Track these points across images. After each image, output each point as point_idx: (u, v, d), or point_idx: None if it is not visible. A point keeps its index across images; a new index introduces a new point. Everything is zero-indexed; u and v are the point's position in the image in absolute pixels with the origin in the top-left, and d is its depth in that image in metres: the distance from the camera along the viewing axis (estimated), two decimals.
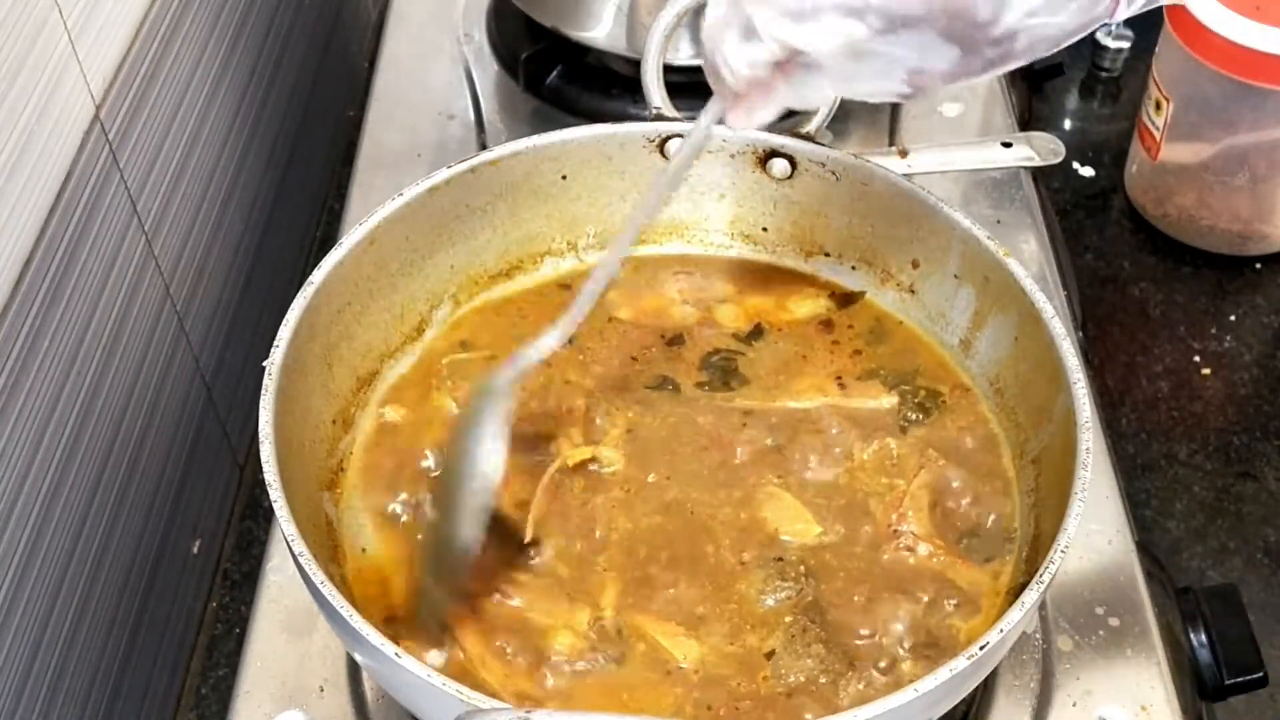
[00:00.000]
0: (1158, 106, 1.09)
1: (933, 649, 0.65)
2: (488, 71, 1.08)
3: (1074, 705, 0.70)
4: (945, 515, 0.70)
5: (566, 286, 0.82)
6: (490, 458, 0.64)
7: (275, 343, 0.67)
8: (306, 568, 0.58)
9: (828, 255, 0.82)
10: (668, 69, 0.81)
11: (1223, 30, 1.00)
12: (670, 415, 0.75)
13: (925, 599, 0.66)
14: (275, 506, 0.60)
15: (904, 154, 0.86)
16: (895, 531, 0.69)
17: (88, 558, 0.78)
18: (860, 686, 0.63)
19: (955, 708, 0.62)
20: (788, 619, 0.65)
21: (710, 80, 0.58)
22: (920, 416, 0.74)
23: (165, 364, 0.88)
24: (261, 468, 0.61)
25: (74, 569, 0.77)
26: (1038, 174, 1.01)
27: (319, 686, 0.71)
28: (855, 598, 0.66)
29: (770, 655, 0.64)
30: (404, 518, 0.70)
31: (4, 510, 0.69)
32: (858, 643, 0.65)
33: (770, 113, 0.58)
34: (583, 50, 1.03)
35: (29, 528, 0.72)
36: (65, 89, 0.74)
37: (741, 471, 0.72)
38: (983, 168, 0.93)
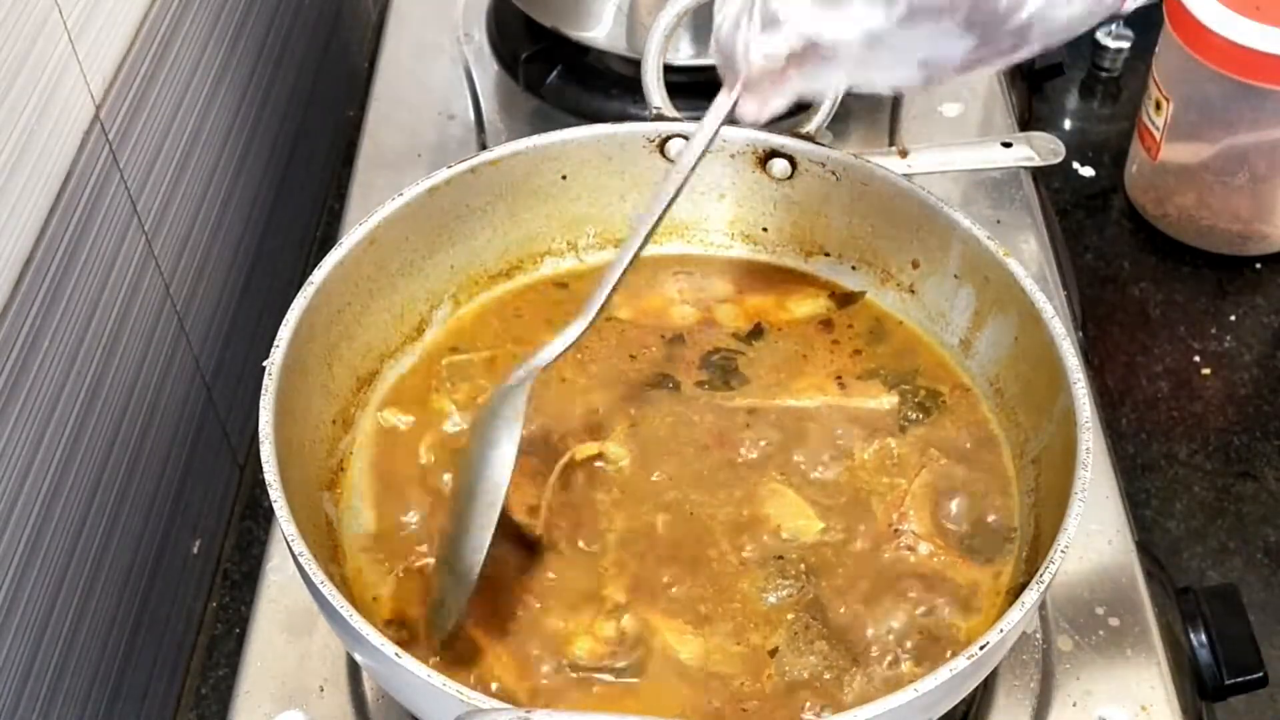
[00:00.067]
0: (1158, 106, 1.09)
1: (933, 648, 0.65)
2: (488, 71, 1.08)
3: (1074, 705, 0.70)
4: (946, 515, 0.70)
5: (565, 286, 0.82)
6: (503, 463, 0.63)
7: (275, 343, 0.67)
8: (306, 568, 0.58)
9: (828, 255, 0.82)
10: (668, 69, 0.81)
11: (1223, 30, 1.00)
12: (670, 414, 0.75)
13: (926, 598, 0.66)
14: (275, 506, 0.60)
15: (904, 154, 0.86)
16: (896, 530, 0.69)
17: (88, 558, 0.78)
18: (864, 682, 0.63)
19: (955, 708, 0.62)
20: (789, 616, 0.65)
21: (722, 70, 0.58)
22: (920, 416, 0.75)
23: (165, 364, 0.88)
24: (261, 468, 0.61)
25: (74, 569, 0.77)
26: (1038, 174, 1.01)
27: (319, 686, 0.71)
28: (856, 596, 0.66)
29: (774, 653, 0.64)
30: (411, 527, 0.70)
31: (4, 510, 0.69)
32: (859, 640, 0.65)
33: (782, 102, 0.58)
34: (583, 50, 1.03)
35: (29, 528, 0.72)
36: (65, 89, 0.74)
37: (743, 470, 0.72)
38: (983, 168, 0.93)
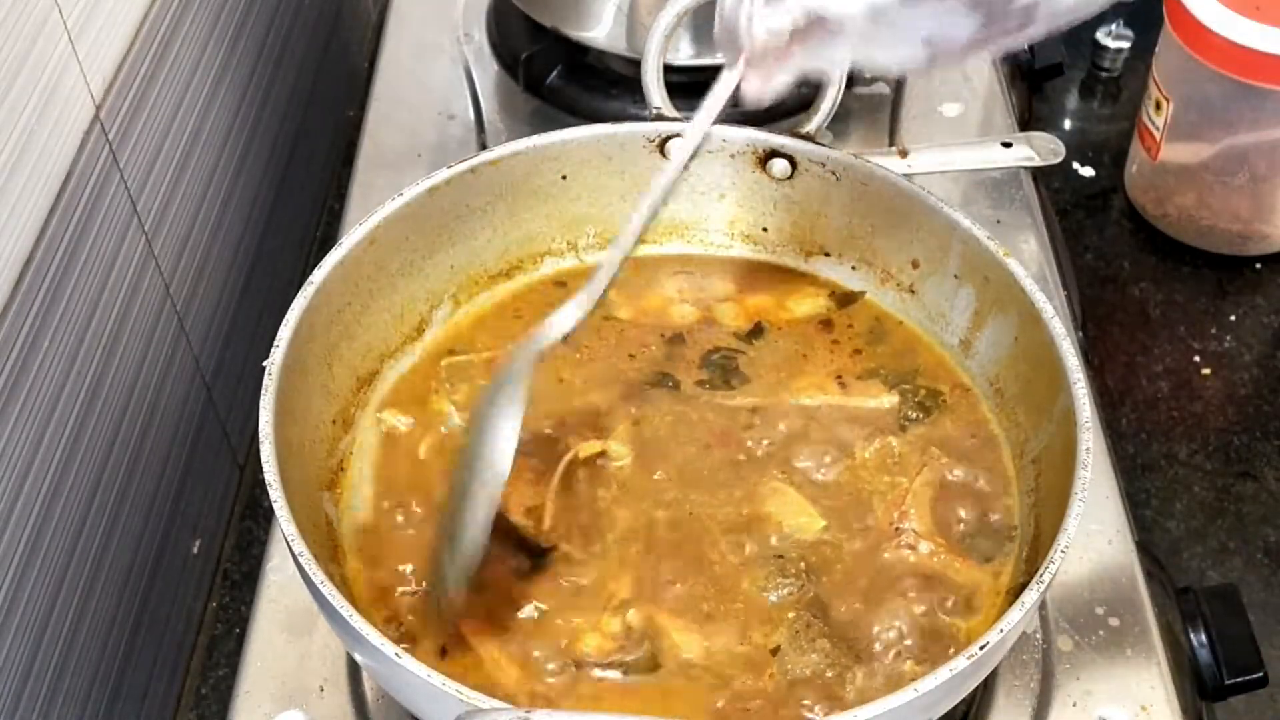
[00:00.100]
0: (1158, 106, 1.09)
1: (934, 647, 0.65)
2: (488, 71, 1.08)
3: (1074, 705, 0.70)
4: (947, 514, 0.70)
5: (565, 285, 0.82)
6: (503, 448, 0.62)
7: (275, 343, 0.67)
8: (306, 568, 0.58)
9: (828, 255, 0.82)
10: (668, 69, 0.81)
11: (1223, 30, 1.00)
12: (671, 413, 0.75)
13: (926, 597, 0.66)
14: (275, 506, 0.60)
15: (904, 154, 0.86)
16: (897, 529, 0.69)
17: (88, 558, 0.78)
18: (866, 681, 0.63)
19: (955, 708, 0.62)
20: (791, 615, 0.65)
21: (725, 46, 0.58)
22: (920, 416, 0.75)
23: (165, 364, 0.88)
24: (261, 468, 0.61)
25: (74, 569, 0.77)
26: (1038, 174, 1.01)
27: (319, 686, 0.71)
28: (857, 595, 0.67)
29: (775, 651, 0.64)
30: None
31: (4, 510, 0.69)
32: (860, 638, 0.65)
33: (786, 79, 0.57)
34: (583, 50, 1.03)
35: (29, 528, 0.72)
36: (65, 89, 0.74)
37: (744, 469, 0.72)
38: (983, 168, 0.93)
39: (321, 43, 1.21)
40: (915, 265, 0.78)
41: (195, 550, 0.94)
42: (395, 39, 1.11)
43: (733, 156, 0.80)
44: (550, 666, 0.64)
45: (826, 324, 0.80)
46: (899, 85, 1.06)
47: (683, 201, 0.83)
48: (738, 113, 0.98)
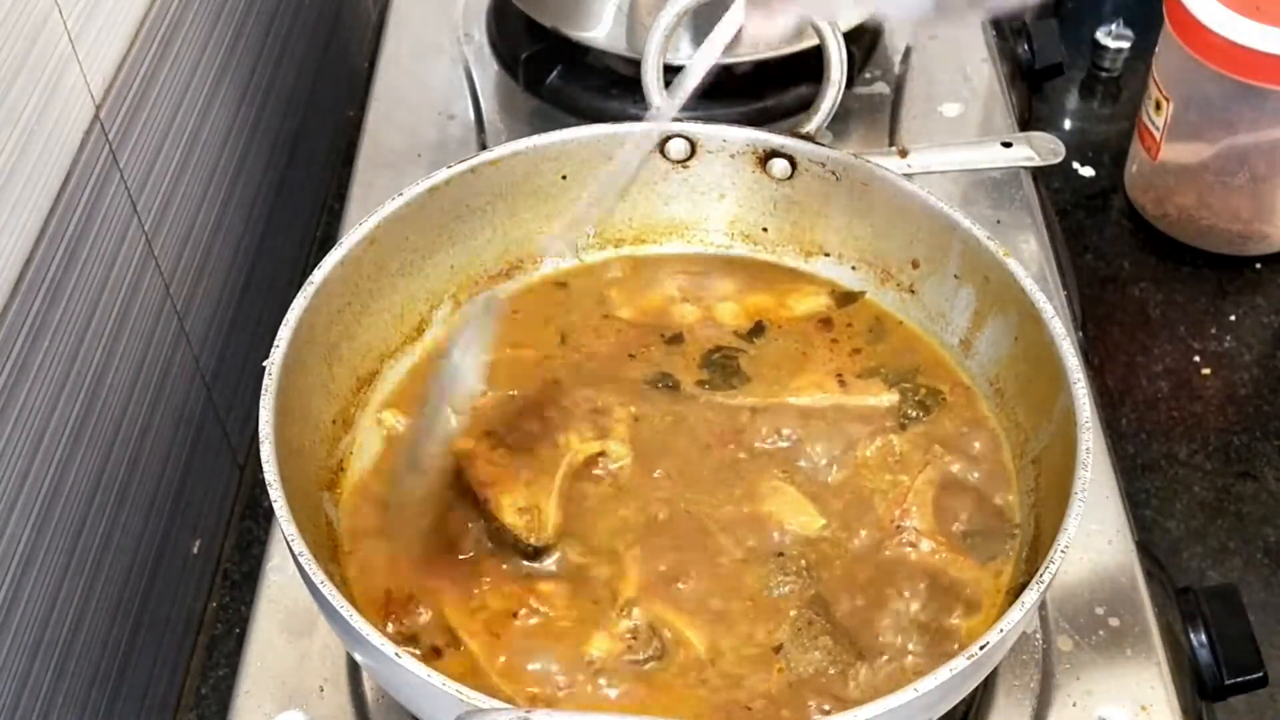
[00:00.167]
0: (1158, 106, 1.09)
1: (934, 646, 0.65)
2: (488, 71, 1.08)
3: (1074, 705, 0.70)
4: (948, 512, 0.70)
5: (565, 285, 0.82)
6: (470, 364, 0.64)
7: (275, 343, 0.67)
8: (306, 568, 0.58)
9: (828, 255, 0.82)
10: (668, 69, 0.81)
11: (1223, 30, 1.00)
12: (671, 412, 0.75)
13: (927, 595, 0.66)
14: (275, 506, 0.60)
15: (904, 154, 0.86)
16: (899, 527, 0.69)
17: (88, 558, 0.78)
18: (869, 678, 0.63)
19: (955, 708, 0.62)
20: (792, 612, 0.65)
21: None
22: (920, 414, 0.75)
23: (165, 364, 0.88)
24: (261, 468, 0.61)
25: (74, 569, 0.77)
26: (1038, 174, 1.00)
27: (319, 686, 0.71)
28: (858, 592, 0.67)
29: (778, 649, 0.64)
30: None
31: (4, 510, 0.69)
32: (862, 636, 0.65)
33: (789, 22, 0.57)
34: (583, 50, 1.03)
35: (29, 528, 0.72)
36: (65, 89, 0.74)
37: (744, 467, 0.72)
38: (983, 168, 0.93)
39: (321, 43, 1.21)
40: (915, 265, 0.78)
41: (195, 550, 0.94)
42: (395, 39, 1.11)
43: (733, 156, 0.80)
44: (552, 667, 0.64)
45: (826, 323, 0.80)
46: (899, 85, 1.06)
47: (683, 201, 0.83)
48: (737, 113, 0.99)
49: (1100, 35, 1.30)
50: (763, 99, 1.02)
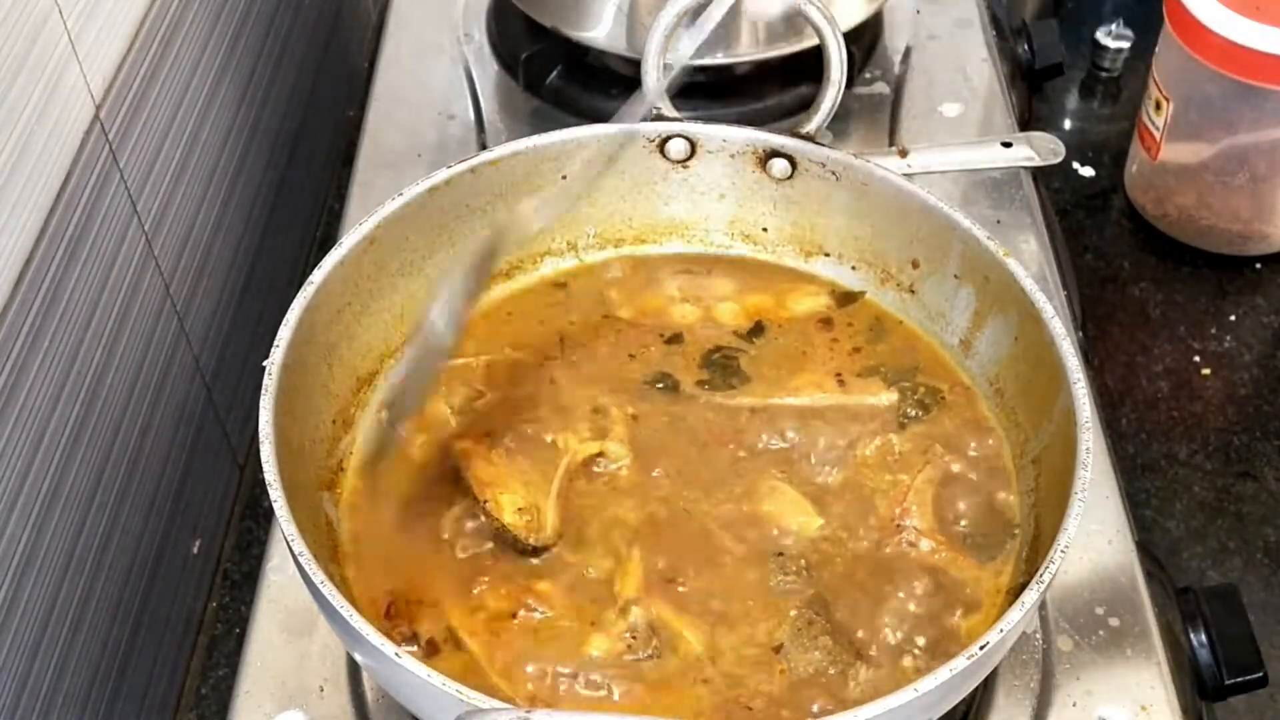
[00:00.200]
0: (1158, 106, 1.09)
1: (935, 645, 0.65)
2: (488, 71, 1.08)
3: (1074, 705, 0.70)
4: (948, 511, 0.70)
5: (564, 286, 0.82)
6: (450, 314, 0.65)
7: (275, 343, 0.67)
8: (306, 568, 0.58)
9: (827, 255, 0.82)
10: (668, 69, 0.81)
11: (1223, 30, 1.00)
12: (670, 413, 0.75)
13: (927, 594, 0.66)
14: (275, 506, 0.60)
15: (904, 154, 0.86)
16: (899, 526, 0.69)
17: (88, 558, 0.78)
18: (869, 677, 0.63)
19: (955, 708, 0.62)
20: (792, 612, 0.65)
21: None
22: (920, 413, 0.75)
23: (165, 364, 0.88)
24: (261, 468, 0.61)
25: (74, 569, 0.77)
26: (1038, 174, 1.01)
27: (319, 686, 0.71)
28: (858, 592, 0.67)
29: (778, 649, 0.64)
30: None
31: (4, 510, 0.69)
32: (862, 635, 0.65)
33: None
34: (583, 50, 1.03)
35: (29, 528, 0.72)
36: (65, 89, 0.74)
37: (744, 467, 0.72)
38: (983, 168, 0.93)
39: (321, 43, 1.21)
40: (915, 265, 0.78)
41: (195, 550, 0.94)
42: (395, 39, 1.11)
43: (733, 156, 0.80)
44: (551, 666, 0.64)
45: (826, 322, 0.80)
46: (899, 85, 1.06)
47: (683, 201, 0.83)
48: (737, 113, 0.99)
49: (1100, 35, 1.30)
50: (763, 99, 1.02)
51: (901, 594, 0.66)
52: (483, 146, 0.99)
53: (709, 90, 1.01)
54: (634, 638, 0.64)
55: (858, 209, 0.79)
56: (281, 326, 0.67)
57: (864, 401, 0.75)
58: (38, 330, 0.72)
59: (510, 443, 0.72)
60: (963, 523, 0.70)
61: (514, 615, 0.65)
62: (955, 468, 0.72)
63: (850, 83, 0.85)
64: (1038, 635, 0.73)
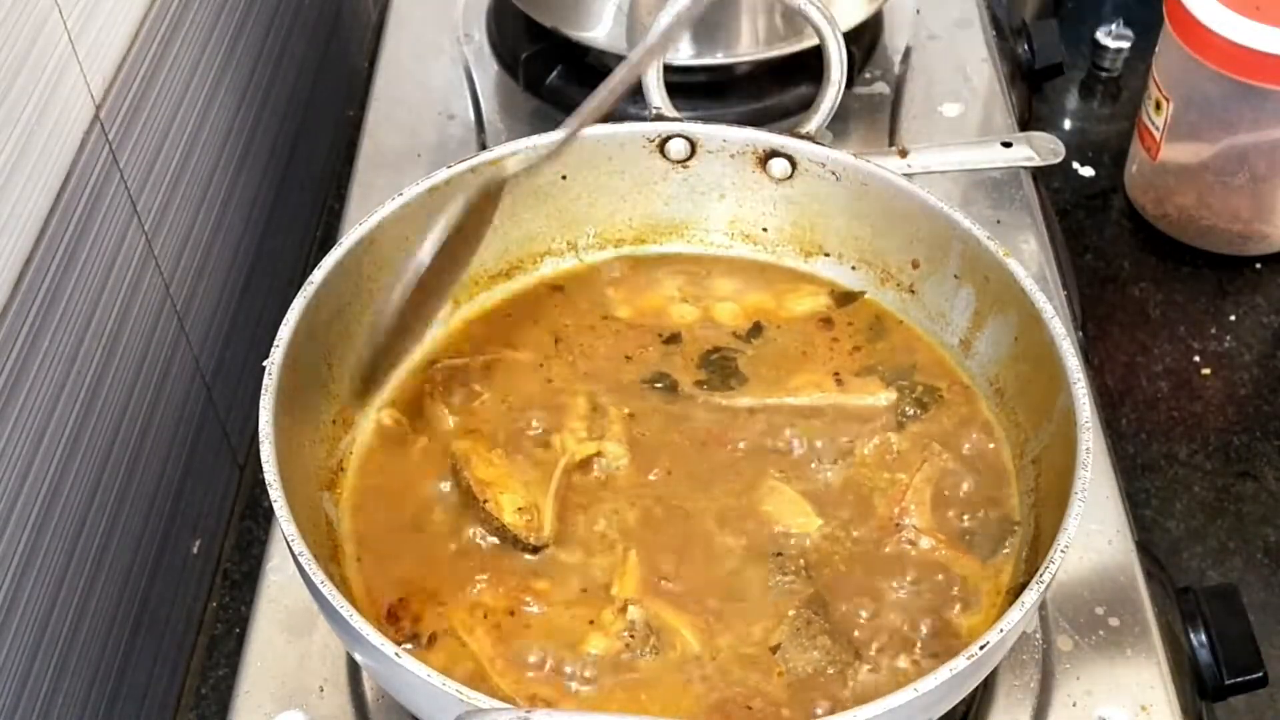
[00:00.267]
0: (1158, 106, 1.09)
1: (935, 645, 0.65)
2: (488, 71, 1.08)
3: (1074, 705, 0.70)
4: (947, 510, 0.70)
5: (561, 289, 0.82)
6: (428, 246, 0.65)
7: (275, 343, 0.67)
8: (306, 568, 0.58)
9: (827, 255, 0.82)
10: (668, 69, 0.81)
11: (1223, 30, 1.00)
12: (668, 412, 0.75)
13: (927, 593, 0.66)
14: (275, 506, 0.60)
15: (904, 154, 0.86)
16: (898, 525, 0.69)
17: (88, 558, 0.78)
18: (868, 677, 0.63)
19: (955, 708, 0.62)
20: (791, 612, 0.65)
21: None
22: (918, 412, 0.75)
23: (165, 364, 0.88)
24: (261, 468, 0.61)
25: (74, 569, 0.77)
26: (1038, 174, 1.01)
27: (319, 686, 0.71)
28: (857, 591, 0.67)
29: (776, 649, 0.64)
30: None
31: (4, 510, 0.69)
32: (860, 635, 0.65)
33: None
34: (583, 50, 1.03)
35: (29, 528, 0.72)
36: (65, 89, 0.74)
37: (741, 467, 0.72)
38: (983, 168, 0.93)
39: (321, 43, 1.21)
40: (915, 265, 0.78)
41: (195, 550, 0.94)
42: (395, 39, 1.11)
43: (733, 156, 0.80)
44: (550, 665, 0.64)
45: (826, 321, 0.80)
46: (899, 85, 1.06)
47: (683, 201, 0.83)
48: (737, 113, 0.99)
49: (1100, 35, 1.30)
50: (763, 99, 1.02)
51: (901, 592, 0.67)
52: (483, 146, 0.99)
53: (709, 90, 1.01)
54: (632, 636, 0.64)
55: (858, 209, 0.79)
56: (281, 326, 0.67)
57: (862, 401, 0.75)
58: (38, 330, 0.72)
59: (509, 443, 0.72)
60: (962, 521, 0.70)
61: (513, 614, 0.65)
62: (954, 467, 0.72)
63: (850, 83, 0.85)
64: (1038, 635, 0.73)
